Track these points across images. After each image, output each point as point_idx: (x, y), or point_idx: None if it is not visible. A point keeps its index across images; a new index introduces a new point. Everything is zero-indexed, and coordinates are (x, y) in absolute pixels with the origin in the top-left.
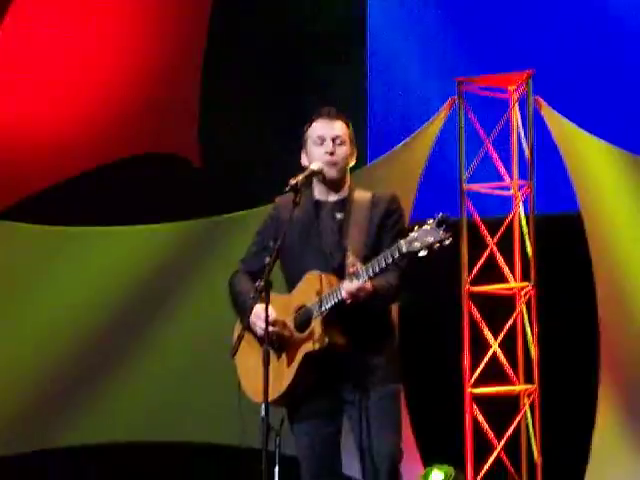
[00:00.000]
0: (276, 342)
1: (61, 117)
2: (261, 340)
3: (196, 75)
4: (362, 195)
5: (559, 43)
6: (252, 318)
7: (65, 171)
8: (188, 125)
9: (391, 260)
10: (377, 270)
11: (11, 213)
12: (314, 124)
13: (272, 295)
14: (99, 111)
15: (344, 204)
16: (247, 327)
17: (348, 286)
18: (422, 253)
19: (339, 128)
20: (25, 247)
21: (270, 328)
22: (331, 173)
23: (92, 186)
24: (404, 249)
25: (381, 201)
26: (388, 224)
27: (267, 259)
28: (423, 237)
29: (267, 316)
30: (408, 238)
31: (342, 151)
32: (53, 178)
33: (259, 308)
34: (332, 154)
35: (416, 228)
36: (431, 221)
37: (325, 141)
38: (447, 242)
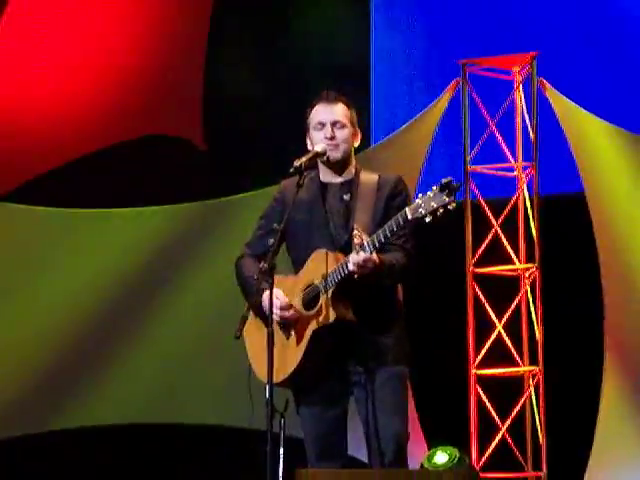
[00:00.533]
0: (287, 326)
1: (62, 100)
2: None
3: (200, 57)
4: (368, 177)
5: (563, 24)
6: (265, 303)
7: (66, 154)
8: (192, 107)
9: (396, 229)
10: (382, 239)
11: (12, 196)
12: (314, 109)
13: (280, 277)
14: (101, 94)
15: (350, 186)
16: (255, 308)
17: (355, 257)
18: (428, 219)
19: (339, 112)
20: (25, 229)
21: (284, 313)
22: (334, 155)
23: (94, 169)
24: (409, 216)
25: (387, 183)
26: (394, 205)
27: (271, 241)
28: (427, 203)
29: (271, 296)
30: (413, 205)
31: (343, 134)
32: (54, 161)
33: (267, 294)
34: (332, 138)
35: (420, 196)
36: (435, 187)
37: (325, 126)
38: (451, 207)
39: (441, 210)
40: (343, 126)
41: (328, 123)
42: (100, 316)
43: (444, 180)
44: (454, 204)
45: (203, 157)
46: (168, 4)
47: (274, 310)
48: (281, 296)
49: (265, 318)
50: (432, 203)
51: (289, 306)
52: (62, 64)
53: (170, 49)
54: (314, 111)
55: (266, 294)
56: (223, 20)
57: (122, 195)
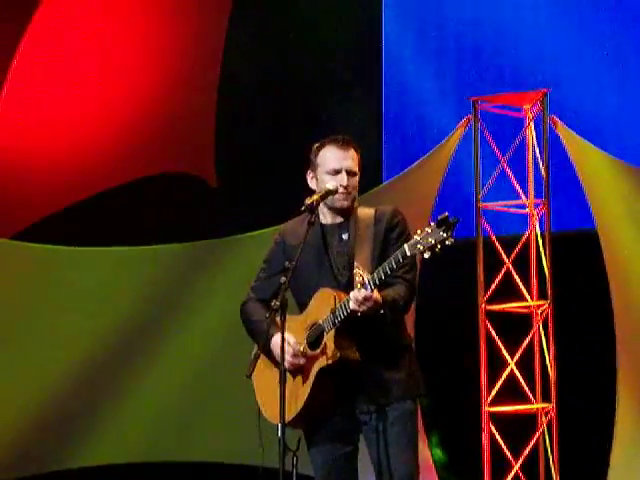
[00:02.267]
0: (297, 371)
1: (77, 137)
2: (278, 365)
3: (212, 95)
4: (365, 212)
5: (574, 61)
6: (275, 348)
7: (82, 192)
8: (204, 145)
9: (395, 266)
10: (382, 276)
11: (27, 234)
12: (326, 152)
13: (286, 317)
14: (115, 132)
15: (348, 224)
16: (264, 349)
17: (356, 294)
18: (426, 255)
19: (352, 159)
20: (24, 269)
21: (295, 361)
22: (345, 203)
23: (108, 206)
24: (408, 252)
25: (383, 216)
26: (392, 237)
27: (282, 279)
28: (425, 239)
29: (283, 331)
30: (411, 242)
31: (354, 182)
32: (69, 199)
33: (278, 339)
34: (347, 187)
35: (418, 232)
36: (432, 223)
37: (339, 174)
38: (448, 242)
39: (439, 246)
40: (355, 174)
41: (343, 171)
42: (105, 353)
43: (441, 216)
44: (452, 240)
45: (214, 194)
46: (181, 42)
47: (286, 357)
48: (292, 342)
49: (275, 360)
50: (430, 239)
51: (301, 353)
52: (76, 100)
53: (182, 86)
54: (326, 153)
55: (276, 339)
56: (235, 58)
57: (136, 232)
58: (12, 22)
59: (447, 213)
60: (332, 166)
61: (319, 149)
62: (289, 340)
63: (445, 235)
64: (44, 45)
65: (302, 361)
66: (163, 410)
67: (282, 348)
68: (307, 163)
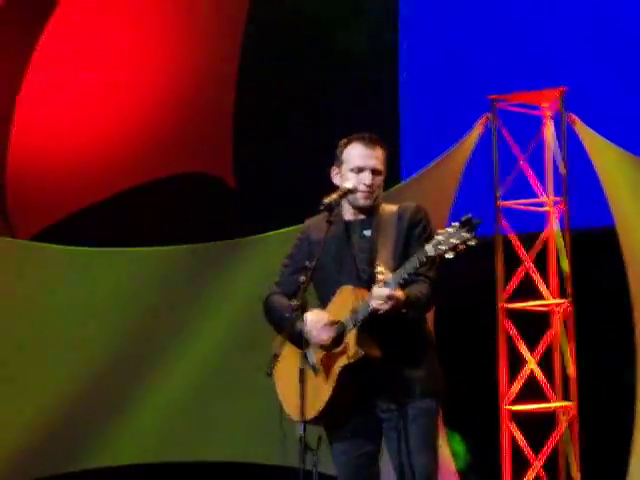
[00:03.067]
0: (326, 346)
1: (96, 138)
2: (306, 350)
3: (230, 95)
4: (388, 209)
5: (592, 58)
6: (308, 327)
7: (100, 192)
8: (222, 145)
9: (418, 265)
10: (405, 276)
11: (46, 234)
12: (352, 149)
13: (309, 311)
14: (132, 132)
15: (371, 221)
16: (291, 336)
17: (378, 294)
18: (448, 255)
19: (378, 157)
20: (49, 269)
21: (325, 330)
22: (367, 202)
23: (126, 207)
24: (430, 252)
25: (406, 213)
26: (414, 234)
27: (302, 278)
28: (448, 239)
29: (304, 337)
30: (433, 242)
31: (378, 181)
32: (87, 200)
33: (312, 315)
34: (370, 187)
35: (441, 231)
36: (455, 223)
37: (363, 172)
38: (471, 243)
39: (461, 246)
40: (380, 173)
41: (368, 170)
42: (122, 354)
43: (464, 217)
44: (475, 240)
45: (233, 195)
46: (198, 41)
47: (313, 332)
48: (323, 315)
49: (301, 346)
50: (452, 239)
51: (328, 326)
52: (94, 101)
53: (200, 86)
54: (352, 151)
55: (308, 315)
56: (253, 60)
57: (154, 233)
58: (29, 24)
59: (470, 214)
60: (356, 164)
61: (345, 145)
62: (320, 312)
63: (468, 236)
64: (61, 46)
65: (332, 333)
66: (179, 410)
67: (303, 352)
68: (325, 162)
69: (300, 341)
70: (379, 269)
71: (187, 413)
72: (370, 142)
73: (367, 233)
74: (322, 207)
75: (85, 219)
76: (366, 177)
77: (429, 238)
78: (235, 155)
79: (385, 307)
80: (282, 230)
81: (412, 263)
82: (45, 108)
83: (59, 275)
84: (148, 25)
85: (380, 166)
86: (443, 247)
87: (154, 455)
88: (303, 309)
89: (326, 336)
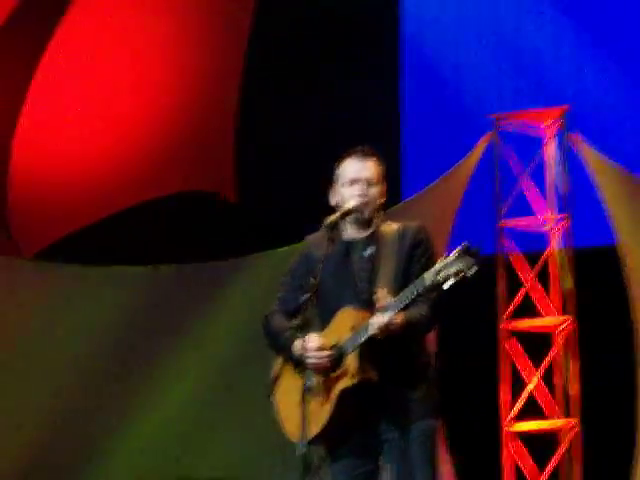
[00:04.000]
0: (322, 370)
1: (98, 155)
2: (306, 371)
3: (231, 112)
4: (390, 228)
5: (593, 77)
6: (298, 348)
7: (101, 211)
8: (224, 162)
9: (416, 294)
10: (405, 302)
11: (49, 252)
12: (346, 164)
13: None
14: (133, 149)
15: (373, 239)
16: (289, 359)
17: (378, 320)
18: (447, 285)
19: (371, 169)
20: (47, 287)
21: (320, 354)
22: (363, 214)
23: (128, 225)
24: (428, 282)
25: (408, 232)
26: (416, 254)
27: (305, 296)
28: (447, 268)
29: (306, 353)
30: (432, 270)
31: (373, 192)
32: (88, 219)
33: (309, 338)
34: (364, 196)
35: (440, 260)
36: (454, 252)
37: (357, 183)
38: (470, 272)
39: (460, 276)
40: (374, 184)
41: (361, 180)
42: (116, 370)
43: (463, 245)
44: (473, 270)
45: (233, 211)
46: (200, 59)
47: (310, 354)
48: (315, 339)
49: (299, 367)
50: (451, 269)
51: (324, 347)
52: (96, 119)
53: (202, 102)
54: (346, 166)
55: (299, 340)
56: (255, 74)
57: (158, 250)
58: (32, 43)
59: (469, 242)
60: (350, 176)
61: (340, 162)
62: (312, 337)
63: (466, 265)
64: (62, 64)
65: (327, 354)
66: (176, 428)
67: (304, 374)
68: (327, 179)
69: (299, 363)
70: (379, 294)
71: (185, 432)
72: (363, 155)
73: (368, 252)
74: (324, 226)
75: (87, 237)
76: (359, 188)
77: (430, 259)
78: (237, 170)
79: (385, 333)
80: (282, 249)
81: (411, 291)
82: (46, 126)
83: (54, 293)
84: (148, 42)
85: (374, 177)
86: (441, 276)
87: (149, 476)
88: (306, 327)
89: (323, 361)
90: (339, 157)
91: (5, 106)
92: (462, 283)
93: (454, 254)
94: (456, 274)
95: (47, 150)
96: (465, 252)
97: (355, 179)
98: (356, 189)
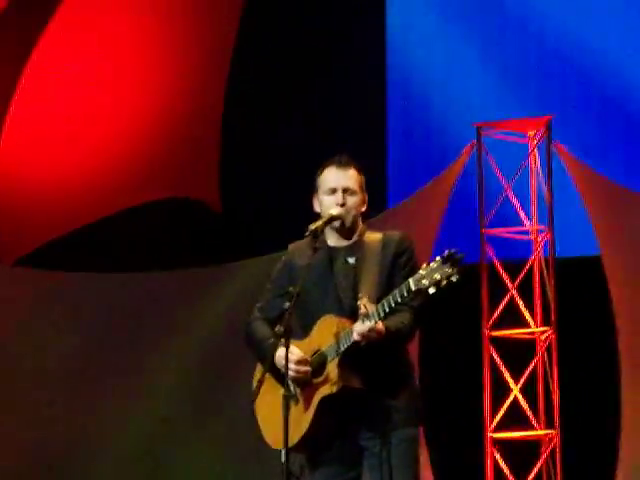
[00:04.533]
0: (302, 381)
1: (81, 162)
2: (283, 382)
3: (217, 120)
4: (373, 237)
5: (578, 88)
6: (280, 360)
7: (84, 217)
8: (208, 170)
9: (400, 300)
10: (387, 310)
11: (32, 258)
12: (326, 173)
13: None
14: (116, 156)
15: (356, 248)
16: (270, 369)
17: (359, 327)
18: (431, 290)
19: (350, 178)
20: (31, 294)
21: (300, 367)
22: (344, 222)
23: (110, 232)
24: (413, 287)
25: (391, 241)
26: (399, 263)
27: (286, 304)
28: (431, 274)
29: (287, 361)
30: (416, 276)
31: (352, 201)
32: (70, 225)
33: (282, 352)
34: (343, 205)
35: (424, 266)
36: (438, 258)
37: (336, 192)
38: (454, 278)
39: (444, 282)
40: (353, 193)
41: (340, 189)
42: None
43: (447, 252)
44: (457, 276)
45: (218, 220)
46: (184, 64)
47: (290, 365)
48: (296, 351)
49: (280, 378)
50: (435, 275)
51: (305, 361)
52: (79, 125)
53: (185, 110)
54: (326, 174)
55: (280, 350)
56: (240, 81)
57: (139, 258)
58: (18, 44)
59: (453, 249)
60: (329, 185)
61: (321, 171)
62: (292, 350)
63: (451, 271)
64: (47, 70)
65: (306, 368)
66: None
67: (286, 367)
68: (311, 187)
69: (279, 371)
70: (362, 302)
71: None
72: (341, 164)
73: (351, 260)
74: (307, 234)
75: (68, 245)
76: (339, 197)
77: (414, 268)
78: (221, 179)
79: (367, 340)
80: (265, 256)
81: (394, 297)
82: (31, 131)
83: (37, 299)
84: (137, 47)
85: (354, 186)
86: (426, 282)
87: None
88: (287, 335)
89: (302, 371)
90: (320, 165)
91: None
92: (447, 289)
93: (439, 260)
94: (441, 280)
95: (31, 155)
96: (449, 258)
97: (334, 188)
98: (336, 198)
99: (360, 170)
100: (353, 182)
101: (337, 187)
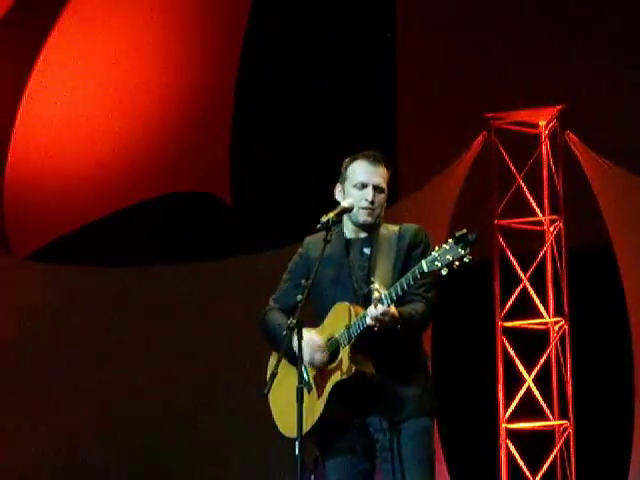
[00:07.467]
0: (325, 365)
1: (94, 156)
2: (297, 372)
3: (227, 113)
4: (389, 228)
5: (589, 76)
6: (302, 349)
7: (97, 211)
8: (219, 163)
9: (413, 282)
10: (400, 293)
11: (43, 252)
12: (357, 165)
13: (303, 330)
14: (129, 150)
15: (371, 239)
16: (286, 356)
17: (373, 311)
18: (444, 272)
19: (382, 176)
20: (41, 288)
21: (321, 354)
22: (368, 219)
23: (124, 225)
24: (425, 269)
25: (407, 233)
26: (414, 256)
27: (299, 297)
28: (443, 256)
29: (300, 352)
30: (429, 258)
31: (380, 199)
32: (84, 219)
33: (308, 336)
34: (372, 203)
35: (436, 248)
36: (450, 240)
37: (366, 188)
38: (467, 259)
39: (457, 263)
40: (382, 191)
41: (370, 186)
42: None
43: (459, 232)
44: (470, 257)
45: (231, 213)
46: (196, 58)
47: (306, 351)
48: (316, 338)
49: (294, 367)
50: (448, 256)
51: (322, 347)
52: (92, 119)
53: (197, 105)
54: (356, 167)
55: (296, 337)
56: (251, 75)
57: (153, 251)
58: (29, 42)
59: (465, 230)
60: (360, 179)
61: (350, 162)
62: (314, 337)
63: (463, 252)
64: (58, 66)
65: (324, 354)
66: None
67: (299, 365)
68: (324, 179)
69: (295, 359)
70: (374, 286)
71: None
72: (375, 160)
73: (366, 251)
74: (319, 225)
75: (81, 238)
76: (369, 193)
77: None
78: (232, 173)
79: (380, 324)
80: (280, 249)
81: (407, 279)
82: (39, 128)
83: (47, 294)
84: (145, 42)
85: (383, 184)
86: (438, 264)
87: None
88: (300, 327)
89: (319, 358)
90: (350, 157)
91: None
92: (460, 269)
93: (451, 241)
94: (453, 261)
95: (39, 152)
96: (461, 239)
97: (365, 183)
98: (366, 194)
99: (389, 167)
100: (383, 180)
101: (368, 183)
